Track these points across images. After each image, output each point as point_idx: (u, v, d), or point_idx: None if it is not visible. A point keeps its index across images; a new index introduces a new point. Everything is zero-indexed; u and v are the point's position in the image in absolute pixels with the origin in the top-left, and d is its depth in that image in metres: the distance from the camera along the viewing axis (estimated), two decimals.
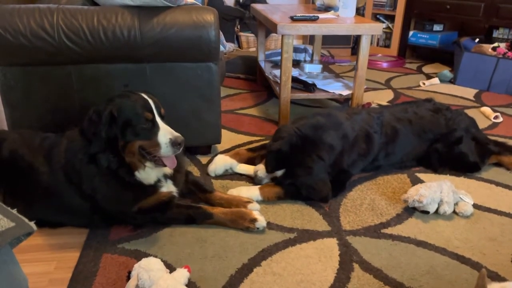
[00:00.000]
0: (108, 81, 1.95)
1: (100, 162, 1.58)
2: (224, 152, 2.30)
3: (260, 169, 2.01)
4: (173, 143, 1.58)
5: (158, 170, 1.68)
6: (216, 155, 2.25)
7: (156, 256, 1.47)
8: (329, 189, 1.91)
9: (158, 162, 1.63)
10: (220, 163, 2.15)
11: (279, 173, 1.95)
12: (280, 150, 1.92)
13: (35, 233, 0.93)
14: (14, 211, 0.93)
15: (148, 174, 1.65)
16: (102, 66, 1.95)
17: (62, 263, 1.54)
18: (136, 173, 1.62)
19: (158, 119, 1.61)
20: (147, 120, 1.58)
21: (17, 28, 1.79)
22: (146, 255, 1.53)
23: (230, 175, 2.14)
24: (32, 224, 0.91)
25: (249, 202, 1.80)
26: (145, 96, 1.63)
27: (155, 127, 1.60)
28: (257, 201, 1.85)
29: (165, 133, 1.59)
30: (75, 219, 1.71)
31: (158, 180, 1.68)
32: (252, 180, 2.07)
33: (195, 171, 2.16)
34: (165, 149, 1.58)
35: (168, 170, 1.72)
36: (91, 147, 1.57)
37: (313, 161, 1.89)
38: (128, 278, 1.37)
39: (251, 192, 1.90)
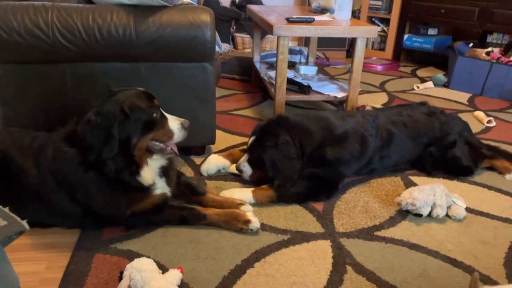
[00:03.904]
0: (103, 80, 1.93)
1: (107, 167, 1.52)
2: (218, 152, 2.30)
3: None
4: (183, 127, 1.64)
5: (158, 164, 1.67)
6: (209, 155, 2.25)
7: (148, 257, 1.46)
8: (294, 173, 1.93)
9: (166, 151, 1.64)
10: (213, 162, 2.15)
11: (250, 140, 2.01)
12: (259, 124, 2.07)
13: (26, 232, 0.92)
14: (6, 209, 0.92)
15: (151, 168, 1.63)
16: (97, 65, 1.94)
17: (53, 263, 1.52)
18: (141, 171, 1.59)
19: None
20: (157, 108, 1.59)
21: (11, 25, 1.78)
22: (139, 255, 1.52)
23: (224, 176, 2.14)
24: (24, 223, 0.90)
25: (241, 204, 1.79)
26: (139, 88, 1.63)
27: (163, 117, 1.62)
28: (250, 204, 1.84)
29: (174, 120, 1.65)
30: (66, 222, 1.68)
31: (153, 184, 1.66)
32: (246, 181, 2.06)
33: (189, 172, 2.16)
34: (178, 135, 1.64)
35: (164, 163, 1.71)
36: (103, 153, 1.49)
37: (280, 130, 1.94)
38: (120, 278, 1.36)
39: (244, 194, 1.89)
